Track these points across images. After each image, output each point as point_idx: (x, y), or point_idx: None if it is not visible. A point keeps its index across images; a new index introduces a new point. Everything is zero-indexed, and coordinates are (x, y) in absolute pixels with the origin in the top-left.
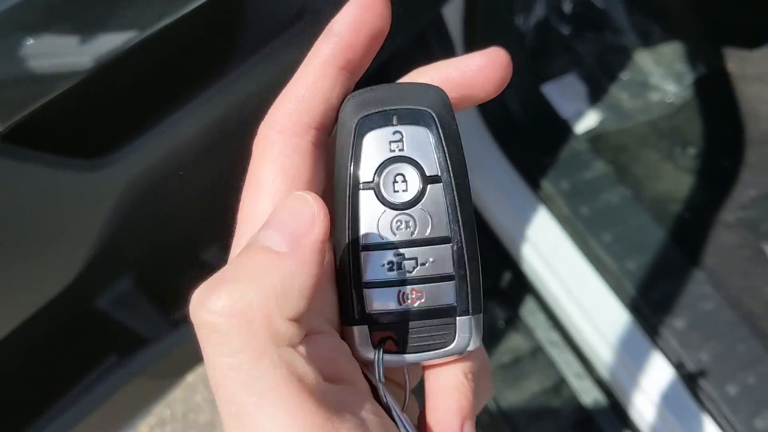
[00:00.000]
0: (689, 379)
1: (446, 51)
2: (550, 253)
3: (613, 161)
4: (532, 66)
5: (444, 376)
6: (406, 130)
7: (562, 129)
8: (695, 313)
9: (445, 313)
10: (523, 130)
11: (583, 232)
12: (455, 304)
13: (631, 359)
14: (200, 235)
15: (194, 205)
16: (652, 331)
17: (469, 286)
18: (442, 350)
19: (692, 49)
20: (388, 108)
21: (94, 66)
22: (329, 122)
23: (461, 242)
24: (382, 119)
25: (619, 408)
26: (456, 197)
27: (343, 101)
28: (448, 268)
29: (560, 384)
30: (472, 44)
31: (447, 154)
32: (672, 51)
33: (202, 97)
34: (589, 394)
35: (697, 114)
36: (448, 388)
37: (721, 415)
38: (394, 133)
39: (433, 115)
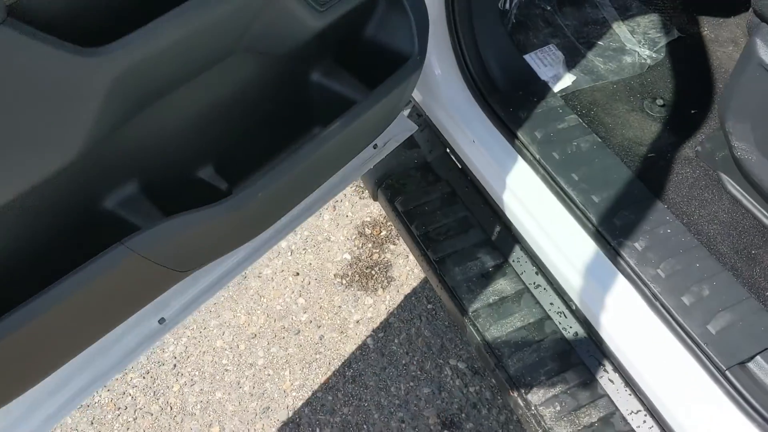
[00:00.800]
0: (649, 294)
1: None
2: (525, 196)
3: (585, 114)
4: (515, 38)
5: None
6: None
7: (540, 90)
8: (654, 236)
9: None
10: (504, 92)
11: (553, 173)
12: None
13: (596, 282)
14: (195, 153)
15: (188, 124)
16: (615, 253)
17: None
18: None
19: (667, 18)
20: None
21: None
22: None
23: None
24: None
25: (595, 336)
26: None
27: None
28: None
29: (543, 320)
30: (453, 23)
31: None
32: (648, 21)
33: (182, 9)
34: (570, 330)
35: (669, 72)
36: None
37: (677, 323)
38: None
39: None
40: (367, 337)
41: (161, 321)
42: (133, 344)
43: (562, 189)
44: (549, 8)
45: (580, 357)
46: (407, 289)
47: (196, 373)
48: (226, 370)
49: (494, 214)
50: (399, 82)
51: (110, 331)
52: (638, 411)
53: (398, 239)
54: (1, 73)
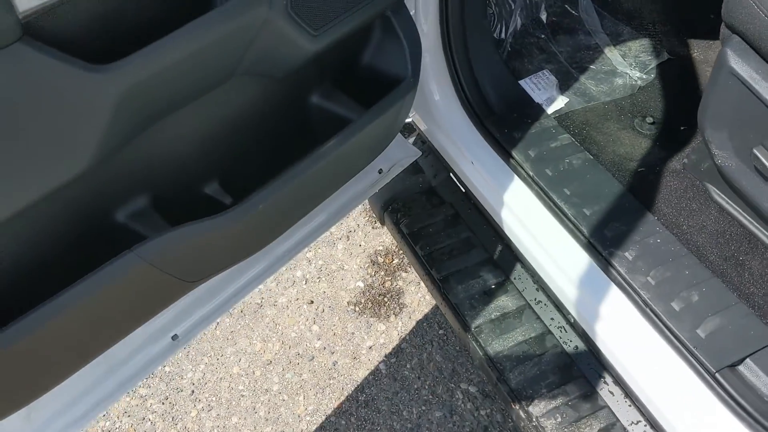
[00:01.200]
0: (640, 301)
1: None
2: (521, 211)
3: (577, 133)
4: (510, 65)
5: None
6: None
7: (534, 112)
8: (644, 246)
9: None
10: (500, 115)
11: (547, 189)
12: None
13: (589, 292)
14: (201, 169)
15: (194, 141)
16: (606, 263)
17: None
18: None
19: (657, 42)
20: None
21: None
22: None
23: None
24: None
25: (593, 348)
26: None
27: None
28: None
29: (544, 335)
30: (450, 51)
31: None
32: (638, 45)
33: (184, 30)
34: (570, 344)
35: (659, 92)
36: None
37: (668, 328)
38: None
39: None
40: (380, 363)
41: (174, 337)
42: (146, 360)
43: (555, 203)
44: (543, 36)
45: (581, 370)
46: (419, 316)
47: (213, 398)
48: (242, 395)
49: (496, 234)
50: (393, 102)
51: (120, 340)
52: (638, 422)
53: (410, 267)
54: (17, 87)
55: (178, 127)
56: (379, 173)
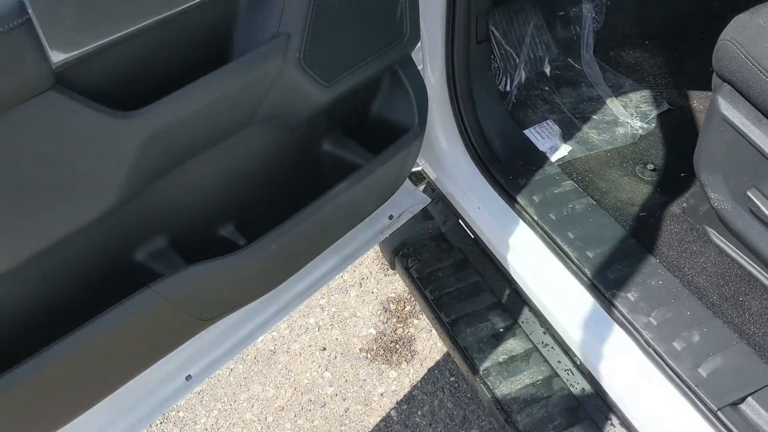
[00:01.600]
0: (642, 340)
1: None
2: (525, 254)
3: (580, 180)
4: (515, 116)
5: None
6: None
7: (538, 159)
8: (646, 287)
9: None
10: (505, 162)
11: (550, 232)
12: None
13: (593, 332)
14: (218, 212)
15: (212, 185)
16: (609, 304)
17: None
18: None
19: (658, 93)
20: None
21: (134, 30)
22: None
23: None
24: None
25: (599, 389)
26: None
27: None
28: None
29: (551, 378)
30: (456, 103)
31: None
32: (640, 96)
33: (202, 81)
34: (577, 386)
35: (660, 141)
36: None
37: (669, 368)
38: None
39: None
40: (391, 410)
41: (188, 378)
42: (160, 399)
43: (558, 246)
44: (547, 88)
45: (588, 412)
46: (430, 363)
47: None
48: None
49: (503, 277)
50: (401, 148)
51: (135, 377)
52: None
53: (421, 314)
54: (48, 132)
55: (197, 171)
56: (390, 219)
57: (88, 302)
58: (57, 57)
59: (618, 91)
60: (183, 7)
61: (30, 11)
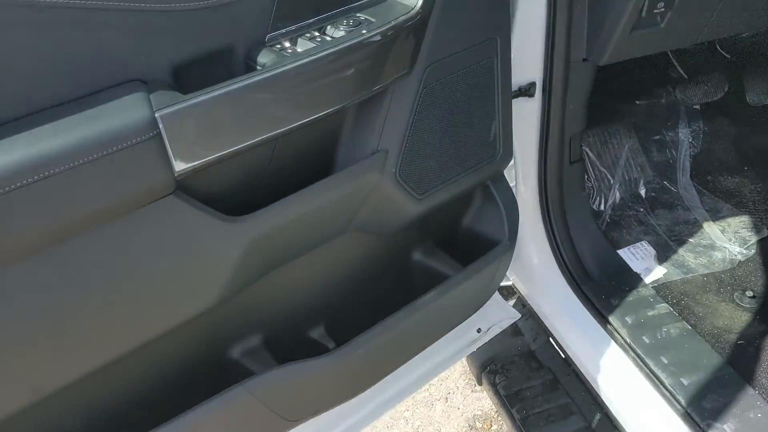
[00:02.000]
0: None
1: None
2: (617, 377)
3: (675, 303)
4: (609, 235)
5: None
6: None
7: (631, 280)
8: (744, 420)
9: None
10: (598, 282)
11: (643, 356)
12: None
13: None
14: (310, 314)
15: (305, 289)
16: None
17: None
18: None
19: (758, 219)
20: None
21: (248, 145)
22: None
23: None
24: None
25: None
26: None
27: None
28: None
29: None
30: (549, 220)
31: None
32: (738, 221)
33: (306, 191)
34: None
35: (760, 267)
36: None
37: None
38: None
39: None
40: None
41: None
42: None
43: (652, 371)
44: (642, 210)
45: None
46: None
47: None
48: None
49: (594, 401)
50: (490, 261)
51: None
52: None
53: None
54: (165, 232)
55: (293, 274)
56: (478, 332)
57: (182, 394)
58: (179, 166)
59: (716, 216)
60: (292, 126)
61: (161, 126)
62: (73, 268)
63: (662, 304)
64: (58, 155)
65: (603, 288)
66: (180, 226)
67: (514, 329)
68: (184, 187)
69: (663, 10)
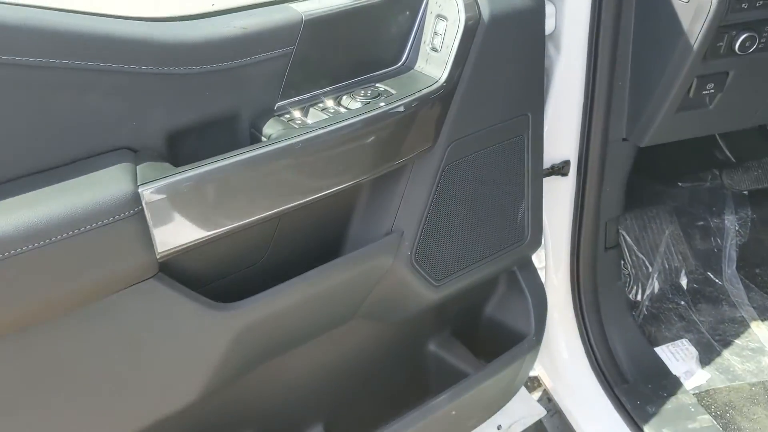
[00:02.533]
0: None
1: None
2: None
3: (719, 415)
4: (645, 330)
5: None
6: None
7: (670, 384)
8: None
9: None
10: (633, 384)
11: None
12: None
13: None
14: (307, 410)
15: (303, 381)
16: None
17: None
18: None
19: None
20: None
21: (240, 225)
22: None
23: None
24: None
25: None
26: None
27: None
28: None
29: None
30: (581, 310)
31: None
32: None
33: (309, 275)
34: None
35: None
36: None
37: None
38: None
39: None
40: None
41: None
42: None
43: None
44: (683, 303)
45: None
46: None
47: None
48: None
49: None
50: (513, 359)
51: None
52: None
53: None
54: (146, 318)
55: (291, 364)
56: (498, 430)
57: None
58: (162, 247)
59: (765, 315)
60: (296, 204)
61: (143, 202)
62: (39, 357)
63: (705, 416)
64: (27, 231)
65: (639, 392)
66: (161, 313)
67: (537, 426)
68: (168, 269)
69: (713, 91)
